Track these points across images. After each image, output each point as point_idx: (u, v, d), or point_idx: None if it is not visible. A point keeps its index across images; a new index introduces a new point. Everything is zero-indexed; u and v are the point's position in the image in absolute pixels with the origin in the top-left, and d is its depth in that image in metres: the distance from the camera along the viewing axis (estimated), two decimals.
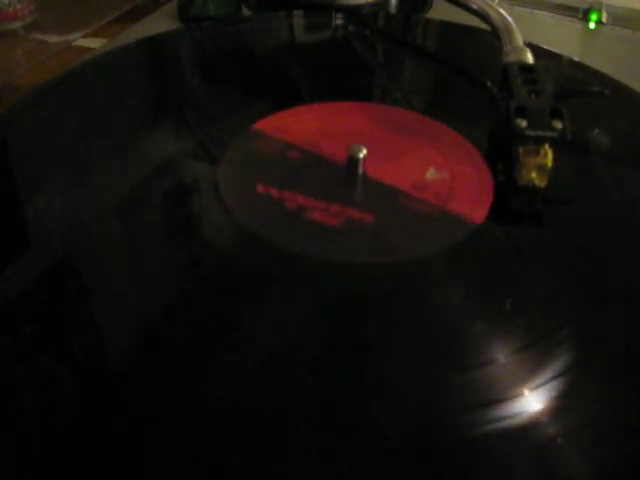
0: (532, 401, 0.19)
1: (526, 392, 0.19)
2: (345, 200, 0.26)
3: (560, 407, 0.19)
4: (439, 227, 0.25)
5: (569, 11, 0.45)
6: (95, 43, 0.42)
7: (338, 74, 0.35)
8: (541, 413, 0.19)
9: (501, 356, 0.20)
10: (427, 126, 0.30)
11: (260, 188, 0.26)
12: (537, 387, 0.19)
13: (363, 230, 0.24)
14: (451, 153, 0.28)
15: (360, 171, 0.27)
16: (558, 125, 0.26)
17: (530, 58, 0.30)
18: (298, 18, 0.40)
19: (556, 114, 0.26)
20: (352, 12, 0.42)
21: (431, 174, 0.24)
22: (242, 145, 0.28)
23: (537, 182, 0.25)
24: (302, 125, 0.30)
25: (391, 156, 0.28)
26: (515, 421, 0.18)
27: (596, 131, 0.31)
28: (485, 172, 0.27)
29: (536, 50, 0.31)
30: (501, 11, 0.34)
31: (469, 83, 0.35)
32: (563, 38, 0.42)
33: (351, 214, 0.25)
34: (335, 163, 0.27)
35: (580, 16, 0.44)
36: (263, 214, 0.25)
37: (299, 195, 0.26)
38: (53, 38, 0.43)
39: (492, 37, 0.33)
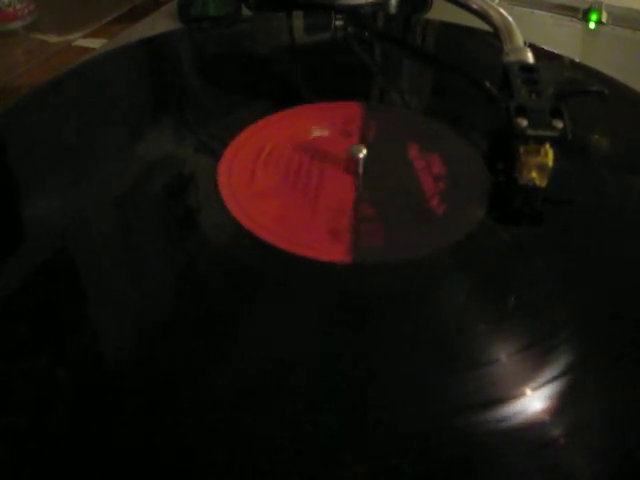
0: (534, 401, 0.19)
1: (528, 392, 0.19)
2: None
3: (563, 407, 0.19)
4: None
5: (569, 11, 0.45)
6: (95, 43, 0.42)
7: (338, 74, 0.35)
8: (543, 413, 0.19)
9: (503, 356, 0.20)
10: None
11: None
12: (539, 387, 0.19)
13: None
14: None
15: (360, 171, 0.27)
16: (558, 125, 0.26)
17: (530, 58, 0.30)
18: (298, 19, 0.40)
19: (556, 114, 0.26)
20: (352, 13, 0.42)
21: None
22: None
23: (537, 182, 0.25)
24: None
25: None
26: (517, 421, 0.18)
27: (596, 131, 0.31)
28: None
29: (536, 50, 0.31)
30: (501, 11, 0.34)
31: (469, 83, 0.34)
32: (563, 38, 0.42)
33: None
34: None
35: (580, 16, 0.44)
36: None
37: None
38: (53, 38, 0.43)
39: (492, 37, 0.33)
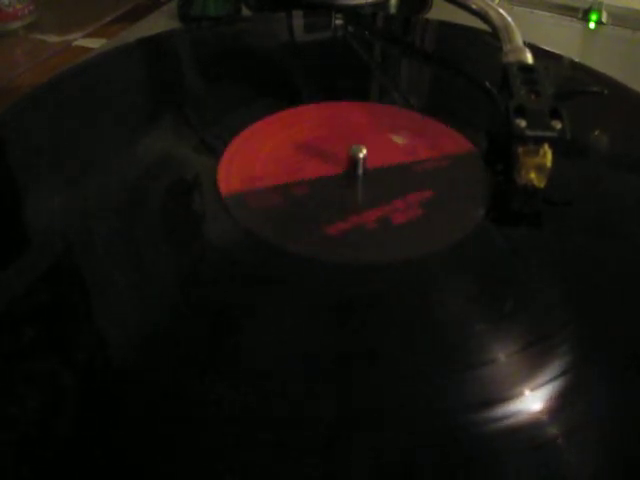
0: (532, 401, 0.19)
1: (526, 392, 0.19)
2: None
3: (560, 407, 0.19)
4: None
5: (569, 11, 0.45)
6: (95, 43, 0.42)
7: (337, 74, 0.35)
8: (541, 413, 0.19)
9: (501, 356, 0.20)
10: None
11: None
12: (537, 387, 0.19)
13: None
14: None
15: (360, 171, 0.27)
16: (557, 125, 0.26)
17: (530, 58, 0.30)
18: (298, 18, 0.40)
19: (555, 114, 0.26)
20: (352, 13, 0.42)
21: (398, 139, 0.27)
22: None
23: (536, 182, 0.25)
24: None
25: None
26: (515, 421, 0.18)
27: (596, 131, 0.31)
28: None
29: (536, 50, 0.31)
30: (501, 11, 0.34)
31: (468, 83, 0.35)
32: (563, 38, 0.42)
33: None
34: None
35: (580, 16, 0.44)
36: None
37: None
38: (53, 38, 0.43)
39: (492, 37, 0.33)
